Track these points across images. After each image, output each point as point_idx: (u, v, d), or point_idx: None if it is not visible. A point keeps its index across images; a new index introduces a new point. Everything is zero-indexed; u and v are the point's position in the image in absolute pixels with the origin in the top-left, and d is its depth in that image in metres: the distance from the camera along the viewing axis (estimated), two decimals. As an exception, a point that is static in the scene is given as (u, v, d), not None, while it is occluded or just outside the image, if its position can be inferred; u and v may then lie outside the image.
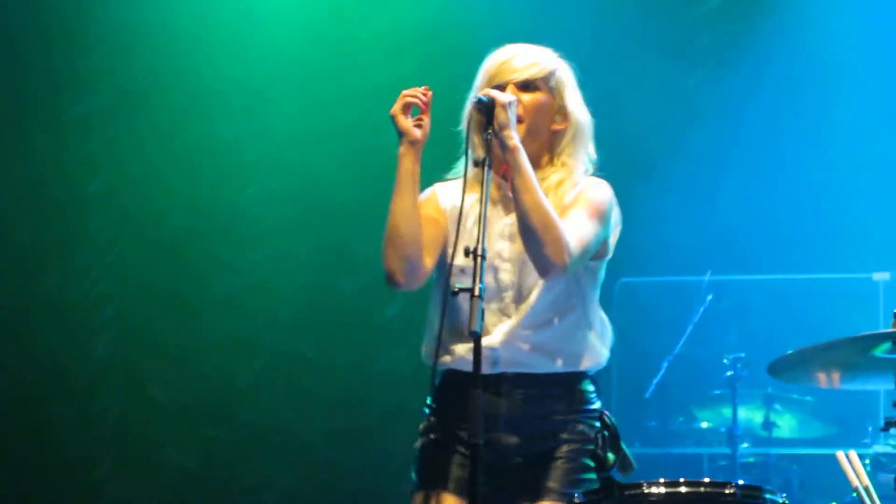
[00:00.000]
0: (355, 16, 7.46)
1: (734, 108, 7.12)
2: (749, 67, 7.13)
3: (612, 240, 3.87)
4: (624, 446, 3.46)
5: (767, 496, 3.47)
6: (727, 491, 3.43)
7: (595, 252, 3.80)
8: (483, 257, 3.42)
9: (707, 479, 3.55)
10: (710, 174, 7.11)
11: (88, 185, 7.40)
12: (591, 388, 3.84)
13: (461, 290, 3.41)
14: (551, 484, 3.74)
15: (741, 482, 3.53)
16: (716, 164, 7.13)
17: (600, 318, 3.87)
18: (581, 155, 3.87)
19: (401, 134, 3.69)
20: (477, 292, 3.35)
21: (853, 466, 3.91)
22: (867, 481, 3.91)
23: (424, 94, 3.72)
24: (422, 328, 3.92)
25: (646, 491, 3.41)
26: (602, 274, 3.91)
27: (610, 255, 3.89)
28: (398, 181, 3.71)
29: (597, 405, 3.84)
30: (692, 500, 3.44)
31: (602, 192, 3.84)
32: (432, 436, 3.82)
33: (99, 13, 7.42)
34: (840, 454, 3.95)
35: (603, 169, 3.92)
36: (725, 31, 7.27)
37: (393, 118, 3.71)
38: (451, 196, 3.86)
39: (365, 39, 7.38)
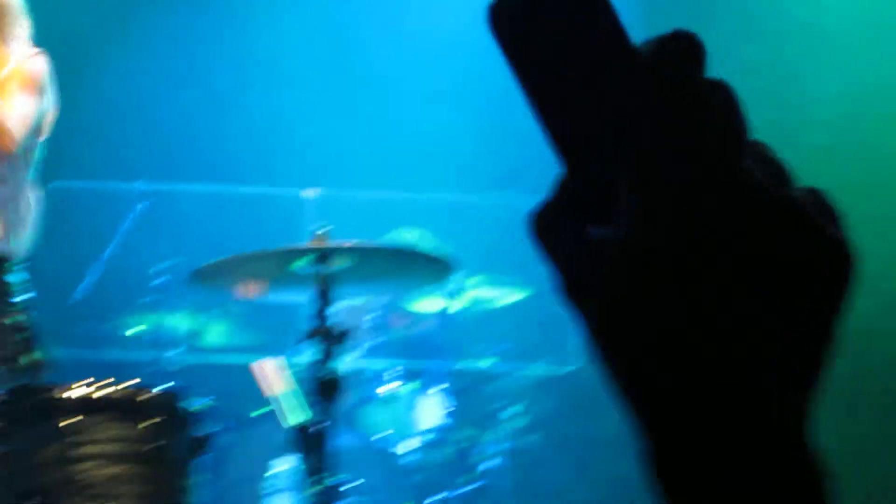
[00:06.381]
0: None
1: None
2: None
3: (49, 118, 3.81)
4: (37, 350, 3.35)
5: (183, 402, 3.50)
6: (141, 397, 3.41)
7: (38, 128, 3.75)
8: None
9: (126, 384, 3.52)
10: (159, 80, 7.11)
11: None
12: (20, 278, 3.75)
13: None
14: None
15: (162, 387, 3.55)
16: (162, 71, 7.12)
17: (28, 197, 3.80)
18: (11, 29, 3.78)
19: None
20: None
21: (268, 376, 4.03)
22: (283, 389, 4.04)
23: None
24: None
25: (58, 395, 3.32)
26: (37, 154, 3.83)
27: (46, 135, 3.82)
28: None
29: (26, 296, 3.74)
30: (107, 404, 3.39)
31: (38, 64, 3.78)
32: None
33: None
34: (254, 365, 4.05)
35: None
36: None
37: None
38: None
39: None
